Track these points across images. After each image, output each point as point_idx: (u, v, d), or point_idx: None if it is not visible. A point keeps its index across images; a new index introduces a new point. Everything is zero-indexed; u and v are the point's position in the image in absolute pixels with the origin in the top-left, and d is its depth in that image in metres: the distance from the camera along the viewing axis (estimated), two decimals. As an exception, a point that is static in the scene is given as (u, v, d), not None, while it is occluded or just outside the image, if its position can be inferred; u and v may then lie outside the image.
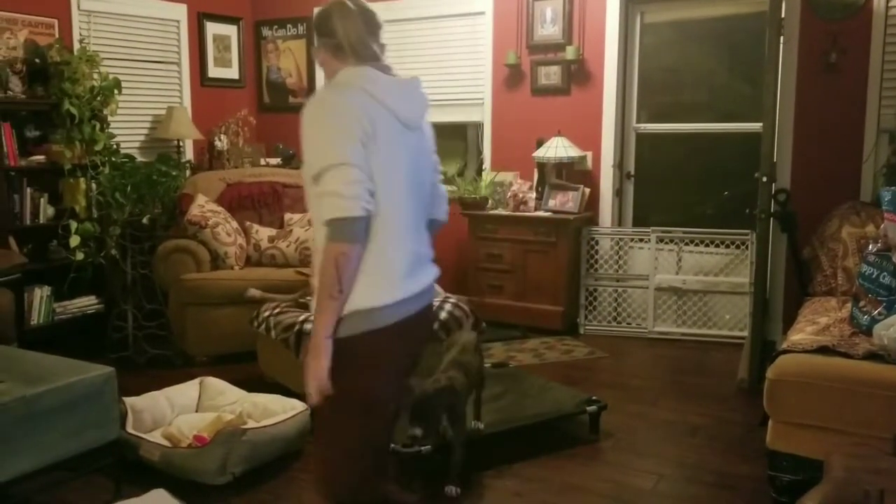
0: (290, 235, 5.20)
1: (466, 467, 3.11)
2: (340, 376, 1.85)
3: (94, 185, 5.09)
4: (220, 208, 5.25)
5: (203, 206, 5.14)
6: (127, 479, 3.06)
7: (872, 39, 4.56)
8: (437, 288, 4.47)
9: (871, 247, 3.56)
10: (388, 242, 1.89)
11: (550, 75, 5.65)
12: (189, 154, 6.22)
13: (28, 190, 4.93)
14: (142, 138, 5.95)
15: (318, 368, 1.83)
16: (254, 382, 3.95)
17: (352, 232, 1.80)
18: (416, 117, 1.99)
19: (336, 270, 1.80)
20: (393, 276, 1.90)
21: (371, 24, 1.98)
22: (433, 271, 2.07)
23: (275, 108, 6.77)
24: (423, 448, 3.01)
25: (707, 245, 5.28)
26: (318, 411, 1.95)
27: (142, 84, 5.89)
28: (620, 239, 5.51)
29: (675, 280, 5.33)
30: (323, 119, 1.85)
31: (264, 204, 5.59)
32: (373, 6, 2.00)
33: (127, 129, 5.73)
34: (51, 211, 5.05)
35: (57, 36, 5.26)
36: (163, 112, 5.91)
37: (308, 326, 3.49)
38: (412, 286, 1.94)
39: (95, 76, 5.10)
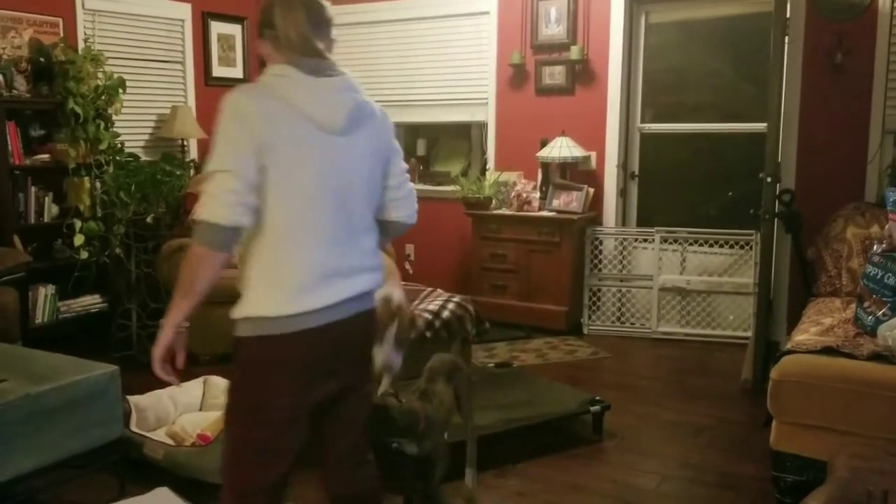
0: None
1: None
2: (235, 375, 1.93)
3: (98, 184, 5.09)
4: (224, 207, 5.24)
5: (207, 206, 5.14)
6: (130, 478, 3.06)
7: (878, 40, 4.55)
8: (439, 290, 4.50)
9: (875, 247, 3.56)
10: (284, 254, 1.85)
11: (555, 75, 5.64)
12: (193, 153, 6.23)
13: (32, 189, 4.94)
14: (146, 137, 5.96)
15: (155, 355, 1.89)
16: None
17: (214, 238, 1.79)
18: (338, 121, 1.87)
19: (191, 271, 1.83)
20: (289, 289, 1.84)
21: (316, 18, 1.89)
22: (360, 283, 1.95)
23: (279, 108, 6.74)
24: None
25: (711, 245, 5.27)
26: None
27: (146, 83, 5.90)
28: (624, 239, 5.50)
29: (678, 280, 5.33)
30: (222, 122, 1.82)
31: (268, 203, 5.59)
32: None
33: (131, 129, 5.74)
34: (55, 210, 5.06)
35: (61, 35, 5.26)
36: (167, 111, 5.92)
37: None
38: (318, 300, 1.86)
39: (100, 75, 5.11)
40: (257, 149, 1.78)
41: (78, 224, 4.88)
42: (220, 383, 3.76)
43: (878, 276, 3.38)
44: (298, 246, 1.86)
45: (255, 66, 6.78)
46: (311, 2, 1.90)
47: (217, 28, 6.41)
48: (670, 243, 5.38)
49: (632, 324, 5.44)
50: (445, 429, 2.88)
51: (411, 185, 2.14)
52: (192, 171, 5.73)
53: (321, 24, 1.91)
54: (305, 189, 1.85)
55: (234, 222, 1.78)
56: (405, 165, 2.12)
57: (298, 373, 1.89)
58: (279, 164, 1.81)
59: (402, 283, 4.78)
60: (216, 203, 1.77)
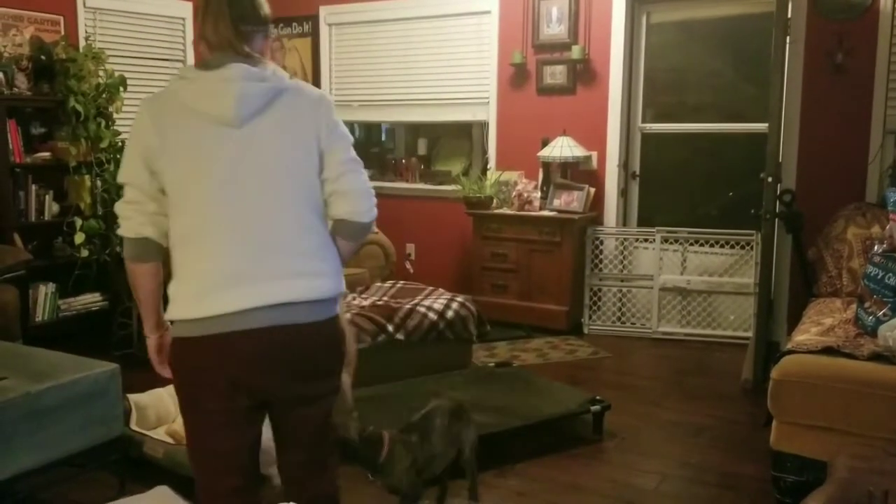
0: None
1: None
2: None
3: (99, 183, 5.10)
4: (224, 206, 5.25)
5: (208, 204, 5.14)
6: (130, 476, 3.06)
7: (879, 40, 4.55)
8: (440, 290, 4.50)
9: (876, 248, 3.56)
10: (185, 257, 1.82)
11: (556, 75, 5.64)
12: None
13: (33, 187, 4.94)
14: (147, 136, 5.96)
15: (152, 359, 2.01)
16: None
17: (129, 251, 1.87)
18: (227, 110, 1.76)
19: (131, 284, 1.92)
20: (193, 292, 1.80)
21: (236, 12, 1.82)
22: (288, 290, 1.81)
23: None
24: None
25: (712, 245, 5.27)
26: None
27: (147, 81, 5.88)
28: (625, 239, 5.50)
29: (679, 280, 5.32)
30: (129, 134, 1.87)
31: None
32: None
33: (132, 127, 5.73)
34: (56, 208, 5.06)
35: (63, 33, 5.27)
36: (168, 110, 5.92)
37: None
38: (222, 304, 1.77)
39: (101, 73, 5.11)
40: (150, 156, 1.80)
41: (78, 222, 4.88)
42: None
43: (879, 277, 3.38)
44: (195, 248, 1.81)
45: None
46: (234, 1, 1.83)
47: (218, 27, 6.41)
48: (671, 243, 5.37)
49: (632, 324, 5.44)
50: (422, 467, 2.61)
51: (361, 177, 1.92)
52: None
53: (246, 22, 1.84)
54: (197, 188, 1.80)
55: (137, 234, 1.83)
56: (351, 155, 1.91)
57: (214, 376, 1.82)
58: (171, 167, 1.80)
59: (403, 281, 4.81)
60: (121, 216, 1.85)
